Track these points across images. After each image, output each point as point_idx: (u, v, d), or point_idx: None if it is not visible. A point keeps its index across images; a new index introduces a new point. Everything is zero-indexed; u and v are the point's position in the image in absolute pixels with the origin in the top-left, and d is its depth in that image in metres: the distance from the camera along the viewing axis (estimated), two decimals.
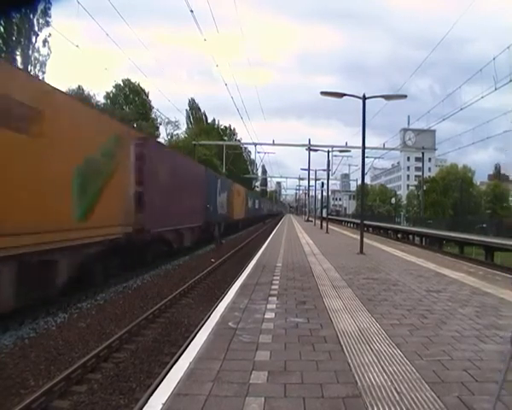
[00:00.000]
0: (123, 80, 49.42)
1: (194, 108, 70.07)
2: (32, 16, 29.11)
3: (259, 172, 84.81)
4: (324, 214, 36.90)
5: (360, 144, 16.16)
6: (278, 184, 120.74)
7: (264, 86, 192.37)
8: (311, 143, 40.83)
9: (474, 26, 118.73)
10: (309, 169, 40.78)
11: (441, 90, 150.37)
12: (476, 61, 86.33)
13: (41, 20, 30.02)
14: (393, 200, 75.90)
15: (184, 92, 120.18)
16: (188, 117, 67.96)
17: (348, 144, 40.83)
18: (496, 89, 22.21)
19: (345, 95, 15.44)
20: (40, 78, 31.23)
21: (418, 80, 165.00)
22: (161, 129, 55.84)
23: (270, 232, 28.98)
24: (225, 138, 64.06)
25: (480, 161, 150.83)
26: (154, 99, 54.98)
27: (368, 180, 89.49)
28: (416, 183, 75.93)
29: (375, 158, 47.01)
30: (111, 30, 66.92)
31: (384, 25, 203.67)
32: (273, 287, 7.95)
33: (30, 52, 30.30)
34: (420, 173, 56.37)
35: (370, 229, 42.33)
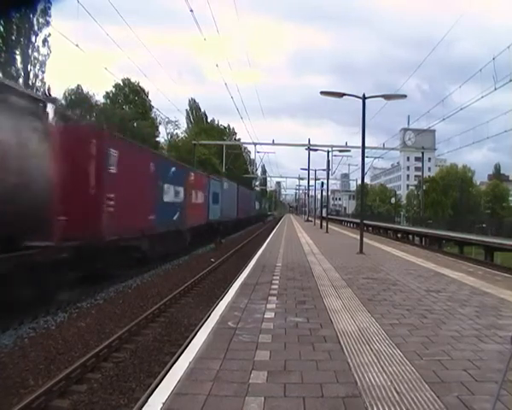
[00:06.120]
0: (122, 80, 49.28)
1: (194, 107, 70.09)
2: (31, 16, 29.07)
3: (259, 172, 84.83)
4: (324, 214, 36.88)
5: (359, 144, 16.17)
6: (278, 183, 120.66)
7: (257, 86, 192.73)
8: (305, 141, 40.72)
9: (461, 27, 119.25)
10: (308, 169, 40.70)
11: (429, 90, 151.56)
12: (464, 62, 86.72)
13: (41, 20, 30.02)
14: (393, 200, 75.88)
15: (178, 92, 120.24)
16: (188, 117, 68.00)
17: (344, 144, 40.81)
18: (495, 89, 22.19)
19: (345, 94, 15.43)
20: (40, 77, 31.30)
21: (406, 80, 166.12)
22: (161, 128, 55.75)
23: (270, 232, 28.98)
24: (225, 138, 64.01)
25: (475, 161, 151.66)
26: (153, 99, 54.67)
27: (368, 180, 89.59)
28: (415, 183, 75.99)
29: (375, 158, 46.94)
30: (98, 30, 66.99)
31: (372, 26, 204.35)
32: (273, 287, 7.94)
33: (30, 52, 30.26)
34: (420, 173, 56.35)
35: (370, 229, 42.33)
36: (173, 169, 18.71)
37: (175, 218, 18.52)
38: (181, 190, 19.42)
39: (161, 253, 16.48)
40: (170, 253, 17.69)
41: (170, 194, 17.74)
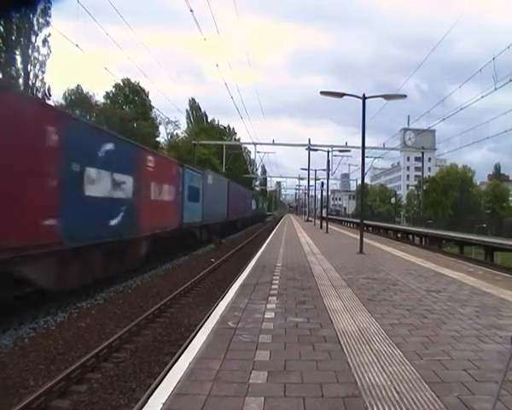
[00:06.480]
0: (122, 80, 49.33)
1: (194, 107, 70.15)
2: (31, 16, 29.08)
3: (259, 172, 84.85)
4: (324, 214, 36.88)
5: (359, 144, 16.18)
6: (278, 183, 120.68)
7: (256, 86, 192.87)
8: (304, 141, 40.72)
9: (461, 27, 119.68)
10: (309, 169, 40.71)
11: (429, 90, 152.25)
12: (464, 62, 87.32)
13: (41, 20, 30.03)
14: (393, 200, 75.88)
15: (178, 92, 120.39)
16: (188, 117, 68.07)
17: (344, 144, 40.84)
18: (496, 89, 22.20)
19: (345, 94, 15.43)
20: (40, 77, 31.29)
21: (404, 80, 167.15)
22: (161, 128, 55.79)
23: (270, 232, 28.98)
24: (225, 138, 64.05)
25: (475, 161, 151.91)
26: (153, 99, 54.74)
27: (368, 180, 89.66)
28: (415, 183, 76.02)
29: (375, 158, 46.94)
30: (97, 30, 67.22)
31: (372, 26, 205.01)
32: (273, 287, 7.95)
33: (30, 52, 30.26)
34: (420, 173, 56.36)
35: (370, 229, 42.34)
36: (110, 146, 11.89)
37: (114, 222, 12.06)
38: (128, 180, 12.96)
39: (85, 279, 10.71)
40: (109, 276, 12.00)
41: (101, 184, 11.26)
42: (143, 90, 51.27)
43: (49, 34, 30.51)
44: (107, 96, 50.38)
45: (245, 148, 70.98)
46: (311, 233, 26.96)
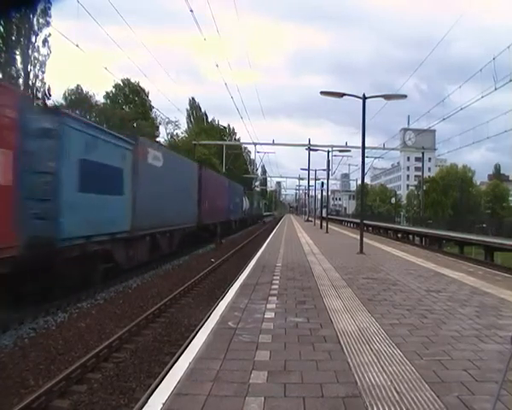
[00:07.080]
0: (122, 80, 49.31)
1: (194, 107, 70.15)
2: (31, 16, 29.04)
3: (259, 172, 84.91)
4: (324, 214, 36.86)
5: (359, 144, 16.18)
6: (278, 183, 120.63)
7: (256, 86, 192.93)
8: (303, 141, 40.69)
9: (461, 27, 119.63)
10: (309, 169, 40.67)
11: (428, 90, 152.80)
12: (463, 62, 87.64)
13: (41, 20, 29.97)
14: (393, 200, 75.88)
15: (178, 92, 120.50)
16: (188, 117, 68.06)
17: (343, 144, 40.89)
18: (496, 89, 22.20)
19: (345, 94, 15.42)
20: (40, 77, 31.26)
21: (403, 80, 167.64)
22: (161, 129, 55.80)
23: (270, 233, 28.98)
24: (225, 138, 64.05)
25: (474, 161, 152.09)
26: (154, 99, 54.74)
27: (368, 180, 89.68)
28: (415, 183, 76.02)
29: (375, 158, 46.93)
30: (97, 30, 67.33)
31: (372, 26, 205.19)
32: (273, 287, 7.94)
33: (30, 52, 30.22)
34: (420, 173, 56.37)
35: (370, 229, 42.34)
36: None
37: None
38: None
39: None
40: None
41: None
42: (143, 90, 51.29)
43: (49, 34, 30.45)
44: (107, 96, 50.39)
45: (245, 148, 71.04)
46: (311, 233, 26.95)
